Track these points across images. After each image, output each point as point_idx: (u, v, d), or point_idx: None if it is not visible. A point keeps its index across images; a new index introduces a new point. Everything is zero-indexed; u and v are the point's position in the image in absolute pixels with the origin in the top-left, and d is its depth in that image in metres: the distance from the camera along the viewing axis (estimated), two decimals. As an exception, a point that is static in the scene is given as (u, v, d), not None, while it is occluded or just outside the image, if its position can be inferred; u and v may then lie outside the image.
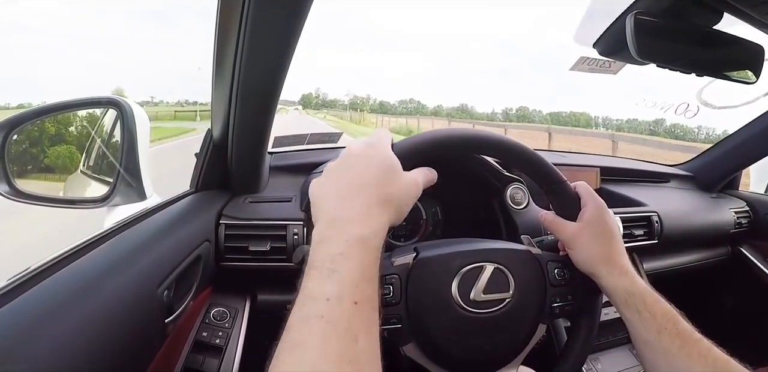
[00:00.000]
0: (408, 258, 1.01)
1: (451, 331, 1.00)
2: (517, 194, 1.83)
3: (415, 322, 0.98)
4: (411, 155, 0.95)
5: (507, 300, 1.01)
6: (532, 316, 1.07)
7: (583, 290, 1.11)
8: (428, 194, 1.53)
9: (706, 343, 0.93)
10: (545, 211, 1.18)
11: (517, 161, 1.11)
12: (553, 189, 1.12)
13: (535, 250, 1.11)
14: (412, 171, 0.92)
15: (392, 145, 0.94)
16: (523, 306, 1.04)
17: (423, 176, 0.93)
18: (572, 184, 1.14)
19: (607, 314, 1.96)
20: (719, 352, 0.92)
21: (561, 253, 1.15)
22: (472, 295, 0.99)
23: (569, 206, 1.12)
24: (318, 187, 0.88)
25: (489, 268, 1.01)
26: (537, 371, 1.20)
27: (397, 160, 0.88)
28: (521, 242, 1.18)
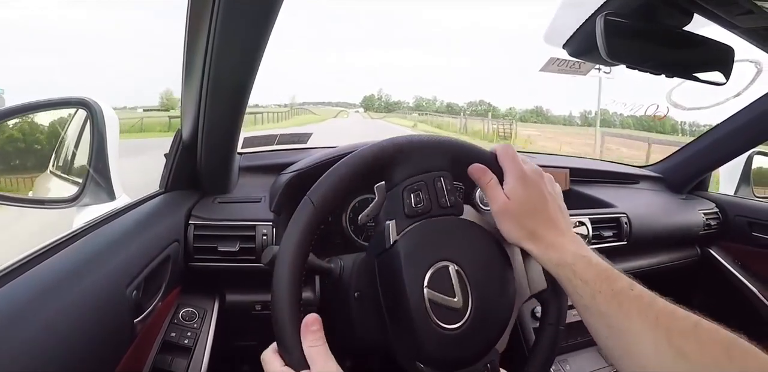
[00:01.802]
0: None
1: (466, 341, 0.98)
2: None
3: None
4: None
5: (462, 273, 0.98)
6: (484, 245, 1.05)
7: (446, 169, 1.07)
8: None
9: (647, 299, 0.90)
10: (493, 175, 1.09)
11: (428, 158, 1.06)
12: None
13: (400, 226, 1.03)
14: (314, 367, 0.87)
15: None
16: (463, 251, 1.01)
17: (321, 351, 0.89)
18: (491, 150, 1.11)
19: (575, 315, 1.97)
20: (663, 303, 0.89)
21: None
22: (456, 307, 0.95)
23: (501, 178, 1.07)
24: None
25: (429, 294, 0.95)
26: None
27: None
28: None
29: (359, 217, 1.08)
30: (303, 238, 0.92)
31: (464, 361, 0.98)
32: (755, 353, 0.79)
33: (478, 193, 1.82)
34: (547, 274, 1.09)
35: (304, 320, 0.89)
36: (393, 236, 0.98)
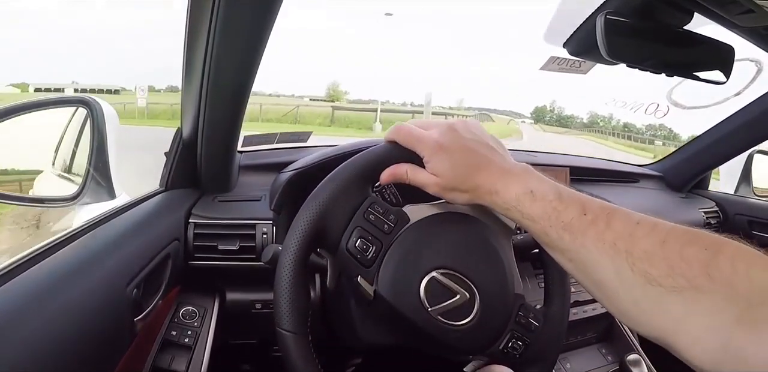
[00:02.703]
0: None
1: (487, 322, 1.01)
2: None
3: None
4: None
5: (458, 275, 0.99)
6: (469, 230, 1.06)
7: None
8: (401, 195, 1.52)
9: (603, 222, 0.83)
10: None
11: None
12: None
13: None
14: None
15: None
16: (448, 253, 1.02)
17: None
18: (387, 139, 1.05)
19: (576, 314, 1.97)
20: (621, 223, 0.82)
21: None
22: (461, 305, 0.98)
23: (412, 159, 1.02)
24: None
25: (434, 309, 0.97)
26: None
27: None
28: None
29: (329, 289, 1.07)
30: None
31: (495, 333, 1.01)
32: (746, 266, 0.70)
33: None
34: None
35: None
36: (370, 290, 0.97)
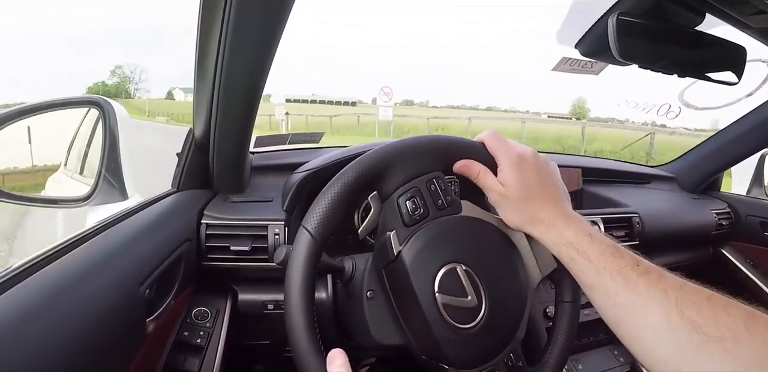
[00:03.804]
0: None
1: (499, 328, 1.00)
2: None
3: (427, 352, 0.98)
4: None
5: (471, 273, 0.99)
6: (488, 235, 1.06)
7: (439, 171, 1.07)
8: None
9: (655, 274, 0.87)
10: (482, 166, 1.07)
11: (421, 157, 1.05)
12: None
13: (401, 235, 1.02)
14: None
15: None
16: (471, 250, 1.03)
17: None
18: (478, 139, 1.10)
19: (588, 315, 1.97)
20: (672, 278, 0.87)
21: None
22: (470, 307, 0.97)
23: (491, 166, 1.06)
24: None
25: (443, 298, 0.96)
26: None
27: None
28: None
29: (359, 232, 1.08)
30: (305, 277, 0.91)
31: (485, 356, 0.99)
32: None
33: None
34: None
35: (329, 356, 0.88)
36: (396, 247, 0.98)
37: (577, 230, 0.97)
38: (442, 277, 0.96)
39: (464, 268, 0.98)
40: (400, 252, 0.98)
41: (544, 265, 1.10)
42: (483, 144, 1.08)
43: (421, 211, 1.00)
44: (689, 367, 0.78)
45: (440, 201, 1.03)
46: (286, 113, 25.71)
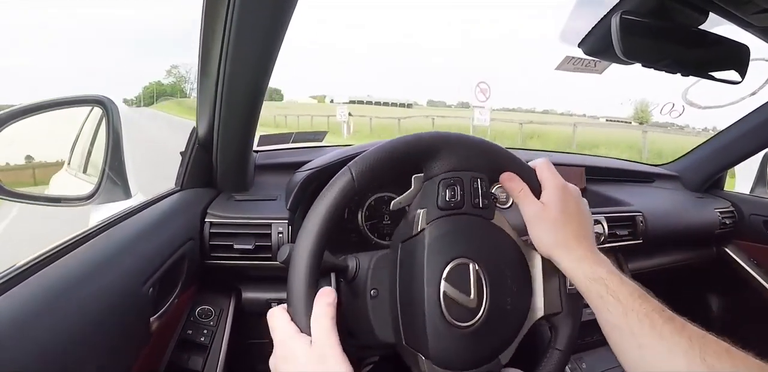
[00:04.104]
0: (419, 360, 0.98)
1: (487, 337, 0.99)
2: (503, 194, 1.84)
3: (455, 366, 0.97)
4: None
5: (477, 271, 0.98)
6: (496, 238, 1.06)
7: (483, 168, 1.08)
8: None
9: (680, 321, 0.89)
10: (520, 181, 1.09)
11: (468, 157, 1.06)
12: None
13: (430, 216, 1.03)
14: (314, 333, 0.87)
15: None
16: (488, 252, 1.02)
17: (326, 323, 0.87)
18: (531, 165, 1.11)
19: (591, 314, 1.96)
20: (694, 328, 0.88)
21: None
22: (470, 306, 0.96)
23: (534, 189, 1.08)
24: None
25: (447, 288, 0.96)
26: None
27: (305, 347, 0.85)
28: None
29: (392, 203, 1.09)
30: (333, 206, 0.93)
31: (461, 362, 0.98)
32: None
33: (495, 189, 1.80)
34: (564, 297, 1.09)
35: (320, 290, 0.90)
36: (422, 224, 0.99)
37: (608, 269, 0.98)
38: (453, 266, 0.97)
39: (476, 267, 0.98)
40: (423, 229, 0.99)
41: (548, 305, 1.09)
42: (533, 168, 1.10)
43: (457, 200, 1.00)
44: None
45: (477, 200, 1.03)
46: (349, 114, 24.61)
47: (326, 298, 0.89)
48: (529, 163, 1.11)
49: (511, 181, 1.08)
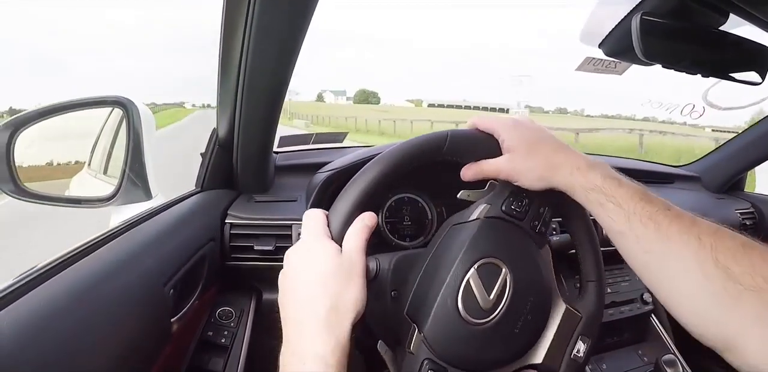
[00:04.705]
0: (416, 336, 0.97)
1: (486, 345, 0.97)
2: None
3: (454, 361, 0.96)
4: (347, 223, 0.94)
5: (507, 277, 0.98)
6: (531, 259, 1.05)
7: (552, 201, 1.08)
8: (434, 195, 1.52)
9: (689, 218, 0.87)
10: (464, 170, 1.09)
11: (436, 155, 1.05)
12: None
13: (483, 210, 1.05)
14: (346, 245, 0.90)
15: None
16: (521, 264, 1.01)
17: (360, 241, 0.91)
18: (473, 123, 1.09)
19: (612, 315, 1.97)
20: (706, 223, 0.86)
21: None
22: (483, 306, 0.95)
23: (491, 149, 1.06)
24: (282, 280, 0.92)
25: (473, 276, 0.96)
26: None
27: (333, 252, 0.88)
28: None
29: (460, 193, 1.11)
30: (418, 147, 0.99)
31: (452, 353, 0.96)
32: None
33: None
34: (566, 360, 1.07)
35: (361, 215, 0.93)
36: (479, 214, 1.02)
37: (603, 174, 0.95)
38: (489, 263, 0.97)
39: (508, 276, 0.98)
40: (478, 219, 1.01)
41: (548, 358, 1.06)
42: (476, 128, 1.09)
43: (521, 212, 1.04)
44: (724, 319, 0.76)
45: (537, 222, 1.06)
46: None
47: (368, 220, 0.92)
48: (466, 126, 1.12)
49: (469, 169, 1.07)
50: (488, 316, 0.95)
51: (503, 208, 1.03)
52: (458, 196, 1.11)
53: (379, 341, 0.97)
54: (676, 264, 0.82)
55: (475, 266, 0.96)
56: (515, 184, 1.03)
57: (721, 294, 0.76)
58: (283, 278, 0.91)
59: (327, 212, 0.95)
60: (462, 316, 0.94)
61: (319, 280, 0.85)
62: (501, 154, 1.04)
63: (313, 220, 0.93)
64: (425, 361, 0.94)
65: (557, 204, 1.09)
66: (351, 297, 0.86)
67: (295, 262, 0.90)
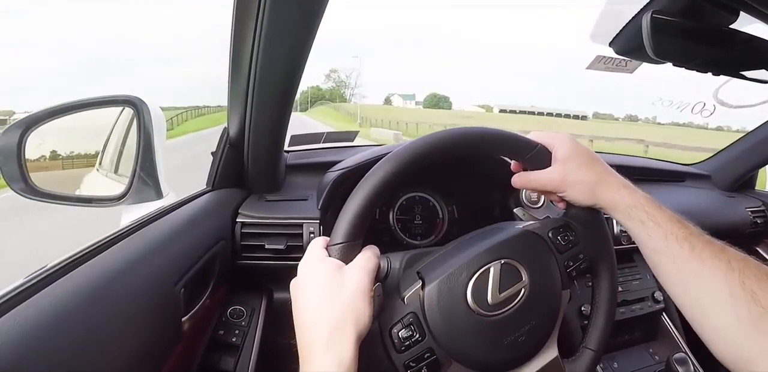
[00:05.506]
0: (416, 289, 0.98)
1: (486, 340, 0.98)
2: (534, 193, 1.82)
3: (448, 346, 0.96)
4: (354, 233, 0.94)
5: (523, 288, 0.99)
6: (553, 289, 1.05)
7: (590, 236, 1.11)
8: (445, 194, 1.52)
9: (718, 244, 0.93)
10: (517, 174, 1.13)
11: (482, 147, 1.06)
12: (531, 155, 1.09)
13: (531, 225, 1.09)
14: (353, 265, 0.91)
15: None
16: (541, 286, 1.02)
17: (365, 264, 0.92)
18: (530, 138, 1.10)
19: (623, 313, 1.98)
20: (734, 250, 0.91)
21: (559, 205, 1.15)
22: (490, 300, 0.96)
23: (544, 159, 1.09)
24: (294, 291, 0.95)
25: (495, 267, 0.98)
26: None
27: (335, 272, 0.89)
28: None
29: (515, 209, 1.14)
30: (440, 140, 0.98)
31: (446, 330, 0.96)
32: None
33: (523, 194, 1.79)
34: None
35: (367, 247, 0.95)
36: (528, 227, 1.07)
37: (645, 196, 1.02)
38: (513, 264, 0.99)
39: (527, 282, 0.99)
40: (525, 229, 1.05)
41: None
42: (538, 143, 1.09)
43: (541, 204, 1.07)
44: (744, 337, 0.82)
45: (572, 271, 1.07)
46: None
47: (373, 250, 0.94)
48: (530, 138, 1.11)
49: (519, 178, 1.11)
50: (494, 312, 0.96)
51: (549, 234, 1.05)
52: (514, 210, 1.13)
53: (377, 283, 0.96)
54: (706, 283, 0.89)
55: (502, 261, 0.97)
56: (560, 195, 1.07)
57: (744, 315, 0.82)
58: (293, 289, 0.94)
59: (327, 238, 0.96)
60: (467, 304, 0.95)
61: (321, 308, 0.87)
62: (518, 155, 1.08)
63: (314, 245, 0.97)
64: (409, 314, 0.95)
65: (595, 259, 1.11)
66: (353, 317, 0.86)
67: (303, 280, 0.93)
